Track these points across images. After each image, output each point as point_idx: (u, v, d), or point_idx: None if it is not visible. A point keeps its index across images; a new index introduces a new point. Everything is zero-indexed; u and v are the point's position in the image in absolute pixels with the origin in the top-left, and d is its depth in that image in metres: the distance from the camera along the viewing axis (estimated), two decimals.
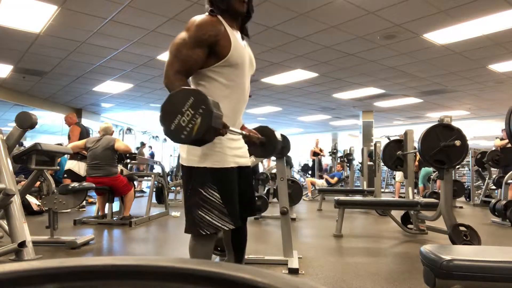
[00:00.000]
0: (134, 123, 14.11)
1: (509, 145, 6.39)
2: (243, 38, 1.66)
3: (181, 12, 4.57)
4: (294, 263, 2.63)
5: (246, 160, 1.71)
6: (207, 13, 1.53)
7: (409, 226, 4.20)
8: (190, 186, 1.53)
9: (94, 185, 3.96)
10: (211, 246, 1.60)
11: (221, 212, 1.51)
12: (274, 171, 6.43)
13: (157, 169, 9.09)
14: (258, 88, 8.44)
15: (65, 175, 5.44)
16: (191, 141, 1.24)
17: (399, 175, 8.39)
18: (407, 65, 6.70)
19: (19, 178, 4.96)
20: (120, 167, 5.05)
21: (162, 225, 4.70)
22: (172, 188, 7.34)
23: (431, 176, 8.07)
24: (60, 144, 5.41)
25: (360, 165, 8.97)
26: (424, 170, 8.24)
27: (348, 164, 9.34)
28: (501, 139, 6.61)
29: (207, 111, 1.20)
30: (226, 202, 1.52)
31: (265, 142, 1.87)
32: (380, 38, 5.38)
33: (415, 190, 5.67)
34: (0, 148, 2.84)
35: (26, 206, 4.70)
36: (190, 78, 1.55)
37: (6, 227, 2.81)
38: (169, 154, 15.99)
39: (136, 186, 6.92)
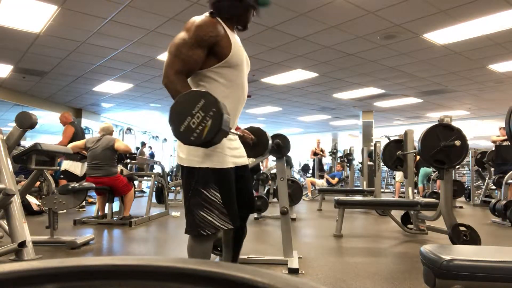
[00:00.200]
0: (134, 123, 14.11)
1: (505, 143, 6.37)
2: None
3: (181, 12, 4.57)
4: (294, 263, 2.63)
5: (243, 159, 1.73)
6: (206, 14, 1.53)
7: (409, 226, 4.20)
8: (192, 186, 1.53)
9: (94, 185, 3.96)
10: (210, 246, 1.61)
11: (221, 212, 1.52)
12: (274, 171, 6.43)
13: (157, 169, 9.10)
14: (258, 88, 8.44)
15: (62, 176, 5.41)
16: (201, 143, 1.25)
17: (399, 175, 8.39)
18: (407, 65, 6.71)
19: (19, 178, 4.96)
20: (120, 167, 5.05)
21: (162, 225, 4.70)
22: (172, 188, 7.34)
23: (431, 176, 8.07)
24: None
25: (360, 165, 8.97)
26: (423, 170, 8.24)
27: (348, 164, 9.34)
28: (498, 136, 6.62)
29: (218, 113, 1.21)
30: (226, 203, 1.53)
31: (256, 143, 1.91)
32: (380, 38, 5.38)
33: (415, 190, 5.67)
34: (0, 148, 2.84)
35: (26, 206, 4.70)
36: (190, 78, 1.56)
37: (6, 227, 2.81)
38: (169, 154, 16.00)
39: (136, 186, 6.92)
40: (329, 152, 11.25)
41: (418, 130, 3.90)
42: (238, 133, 1.62)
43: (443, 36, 5.23)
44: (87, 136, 9.61)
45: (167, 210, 5.72)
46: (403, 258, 3.06)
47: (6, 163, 2.80)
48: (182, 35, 1.47)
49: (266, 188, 6.61)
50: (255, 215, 5.22)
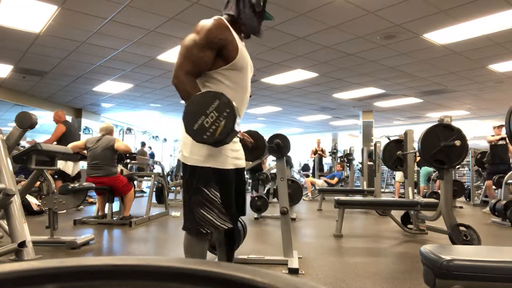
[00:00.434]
0: (134, 123, 14.11)
1: (500, 142, 6.35)
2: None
3: (181, 12, 4.57)
4: (294, 263, 2.63)
5: (243, 161, 1.77)
6: (215, 18, 1.57)
7: (409, 226, 4.20)
8: (194, 185, 1.56)
9: (94, 185, 3.96)
10: (206, 244, 1.65)
11: (220, 211, 1.55)
12: (274, 171, 6.43)
13: (157, 169, 9.09)
14: (258, 88, 8.44)
15: (56, 176, 5.33)
16: (213, 142, 1.29)
17: (398, 175, 8.39)
18: (407, 65, 6.70)
19: (19, 178, 4.95)
20: (120, 167, 5.05)
21: (162, 225, 4.70)
22: (172, 188, 7.34)
23: (431, 176, 8.07)
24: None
25: (360, 165, 8.97)
26: (425, 169, 8.24)
27: (348, 164, 9.34)
28: (493, 136, 6.58)
29: (232, 115, 1.25)
30: (225, 202, 1.57)
31: (254, 147, 1.98)
32: (380, 38, 5.38)
33: (415, 190, 5.67)
34: (0, 148, 2.84)
35: (26, 206, 4.70)
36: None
37: (6, 227, 2.81)
38: (169, 154, 16.00)
39: (136, 187, 6.92)
40: (329, 152, 11.25)
41: (418, 130, 3.90)
42: (239, 136, 1.66)
43: (443, 36, 5.23)
44: (87, 136, 9.62)
45: (167, 210, 5.72)
46: (403, 258, 3.06)
47: (6, 163, 2.80)
48: (193, 37, 1.51)
49: (266, 188, 6.61)
50: (255, 215, 5.22)
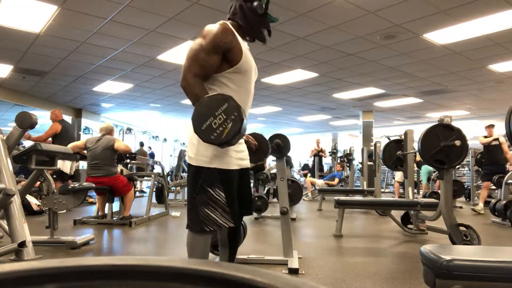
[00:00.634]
0: (134, 123, 14.11)
1: (493, 143, 6.32)
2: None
3: (181, 12, 4.57)
4: (294, 263, 2.63)
5: (247, 162, 1.81)
6: (220, 22, 1.63)
7: (409, 226, 4.20)
8: (199, 185, 1.61)
9: (94, 185, 3.96)
10: (209, 242, 1.68)
11: (224, 211, 1.60)
12: (274, 171, 6.43)
13: (157, 169, 9.09)
14: (258, 88, 8.44)
15: (54, 176, 5.24)
16: (219, 142, 1.35)
17: (398, 175, 8.40)
18: (407, 65, 6.70)
19: (19, 178, 4.95)
20: (120, 167, 5.05)
21: (162, 225, 4.70)
22: (172, 188, 7.34)
23: (431, 176, 8.07)
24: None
25: (360, 165, 8.97)
26: (425, 167, 8.23)
27: (348, 164, 9.34)
28: (485, 136, 6.53)
29: (239, 118, 1.32)
30: (229, 202, 1.61)
31: (258, 149, 2.06)
32: (380, 38, 5.38)
33: (415, 190, 5.67)
34: (0, 148, 2.84)
35: (26, 206, 4.70)
36: None
37: (6, 227, 2.81)
38: (169, 154, 16.00)
39: (136, 186, 6.91)
40: (329, 152, 11.26)
41: (418, 130, 3.90)
42: (243, 138, 1.75)
43: (443, 36, 5.23)
44: (87, 136, 9.62)
45: (167, 210, 5.72)
46: (403, 258, 3.06)
47: (6, 163, 2.80)
48: (199, 41, 1.58)
49: (266, 188, 6.61)
50: (255, 215, 5.22)
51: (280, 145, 2.82)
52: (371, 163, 7.14)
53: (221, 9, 4.39)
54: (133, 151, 5.39)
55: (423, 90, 8.61)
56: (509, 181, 5.19)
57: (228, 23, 1.66)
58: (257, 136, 2.13)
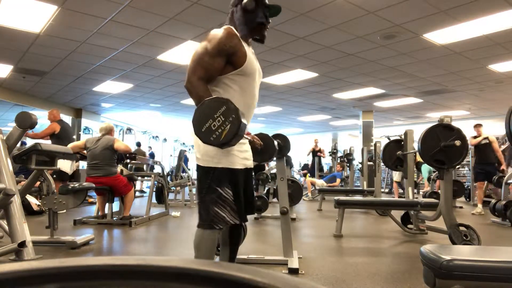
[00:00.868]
0: (134, 123, 14.11)
1: (483, 142, 6.30)
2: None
3: (181, 12, 4.57)
4: (294, 263, 2.63)
5: (250, 162, 1.86)
6: (224, 27, 1.69)
7: (409, 226, 4.20)
8: (207, 184, 1.67)
9: (94, 185, 3.96)
10: (216, 240, 1.73)
11: (232, 209, 1.66)
12: (274, 171, 6.43)
13: (157, 169, 9.08)
14: (259, 88, 8.43)
15: (54, 176, 5.17)
16: (218, 144, 1.41)
17: (395, 174, 8.39)
18: (407, 65, 6.70)
19: (19, 178, 4.95)
20: (120, 167, 5.05)
21: (162, 225, 4.70)
22: (172, 188, 7.34)
23: (431, 176, 8.06)
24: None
25: (360, 165, 8.97)
26: (426, 166, 8.21)
27: (348, 164, 9.34)
28: (474, 137, 6.50)
29: (237, 120, 1.37)
30: (236, 200, 1.68)
31: (264, 149, 2.10)
32: (380, 38, 5.38)
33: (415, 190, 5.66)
34: (0, 148, 2.84)
35: (26, 206, 4.70)
36: None
37: (6, 227, 2.81)
38: (169, 154, 16.00)
39: (136, 186, 6.90)
40: (329, 152, 11.25)
41: (418, 130, 3.90)
42: (249, 138, 1.79)
43: (443, 36, 5.23)
44: (87, 136, 9.60)
45: (167, 210, 5.72)
46: (403, 258, 3.06)
47: (6, 163, 2.80)
48: (205, 45, 1.63)
49: (266, 188, 6.60)
50: (255, 215, 5.22)
51: (280, 145, 2.82)
52: (371, 163, 7.14)
53: (221, 9, 4.39)
54: (133, 151, 5.39)
55: (423, 90, 8.61)
56: (509, 181, 5.19)
57: (233, 27, 1.72)
58: (263, 137, 2.17)
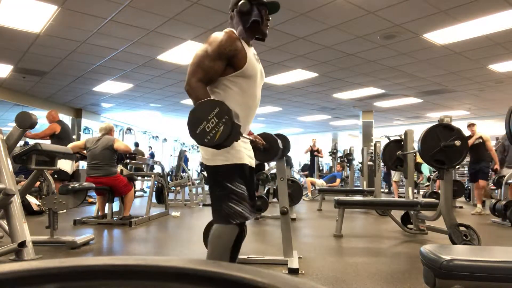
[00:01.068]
0: (134, 123, 14.11)
1: (476, 141, 6.27)
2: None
3: (181, 12, 4.57)
4: (294, 263, 2.63)
5: (253, 161, 1.89)
6: (226, 30, 1.71)
7: (409, 226, 4.20)
8: (219, 182, 1.68)
9: (94, 185, 3.96)
10: (235, 235, 1.72)
11: (248, 203, 1.68)
12: (274, 171, 6.43)
13: (157, 169, 9.08)
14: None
15: (56, 176, 5.20)
16: (213, 145, 1.42)
17: (394, 174, 8.39)
18: (407, 65, 6.71)
19: (19, 178, 4.95)
20: (120, 167, 5.04)
21: (162, 225, 4.70)
22: (172, 188, 7.34)
23: (431, 176, 8.07)
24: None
25: (360, 165, 8.97)
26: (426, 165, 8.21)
27: (348, 164, 9.34)
28: (469, 137, 6.44)
29: (230, 121, 1.38)
30: (249, 194, 1.71)
31: (268, 148, 2.12)
32: (380, 38, 5.38)
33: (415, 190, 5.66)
34: (0, 148, 2.84)
35: (26, 206, 4.70)
36: None
37: (6, 227, 2.81)
38: (169, 154, 16.00)
39: (135, 186, 6.90)
40: (329, 152, 11.25)
41: (418, 130, 3.90)
42: (248, 137, 1.79)
43: (443, 36, 5.23)
44: (87, 136, 9.60)
45: (167, 210, 5.72)
46: (403, 258, 3.06)
47: (6, 163, 2.80)
48: (205, 48, 1.65)
49: (266, 188, 6.60)
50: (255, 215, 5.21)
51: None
52: (371, 163, 7.14)
53: (221, 9, 4.39)
54: (133, 151, 5.39)
55: (423, 90, 8.61)
56: (509, 181, 5.19)
57: (234, 30, 1.75)
58: (267, 136, 2.18)
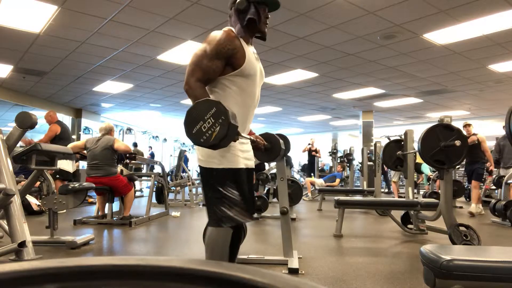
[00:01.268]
0: (134, 123, 14.11)
1: (471, 142, 6.25)
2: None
3: (181, 12, 4.57)
4: (294, 263, 2.63)
5: (252, 162, 1.87)
6: (225, 29, 1.69)
7: (409, 226, 4.20)
8: (211, 185, 1.68)
9: (94, 185, 3.96)
10: (229, 238, 1.72)
11: (241, 208, 1.67)
12: (274, 171, 6.43)
13: (157, 169, 9.09)
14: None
15: (57, 176, 5.22)
16: (209, 145, 1.42)
17: (393, 174, 8.39)
18: (407, 65, 6.70)
19: (19, 178, 4.95)
20: (120, 167, 5.05)
21: (162, 225, 4.70)
22: (172, 188, 7.35)
23: (431, 176, 8.06)
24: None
25: (360, 165, 8.97)
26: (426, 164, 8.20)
27: (348, 164, 9.34)
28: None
29: (226, 122, 1.38)
30: (244, 199, 1.68)
31: (269, 148, 2.11)
32: (380, 38, 5.38)
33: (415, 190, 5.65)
34: (0, 148, 2.84)
35: (26, 206, 4.70)
36: None
37: (6, 227, 2.81)
38: (169, 154, 15.99)
39: (135, 186, 6.90)
40: (329, 152, 11.25)
41: (418, 130, 3.90)
42: (251, 138, 1.79)
43: (443, 36, 5.23)
44: (87, 136, 9.60)
45: (167, 210, 5.72)
46: (403, 258, 3.06)
47: (6, 163, 2.80)
48: (204, 47, 1.64)
49: (266, 188, 6.60)
50: (255, 215, 5.22)
51: None
52: (371, 163, 7.14)
53: (221, 9, 4.39)
54: (133, 151, 5.39)
55: (423, 90, 8.61)
56: (509, 181, 5.19)
57: (232, 29, 1.74)
58: (268, 136, 2.17)
